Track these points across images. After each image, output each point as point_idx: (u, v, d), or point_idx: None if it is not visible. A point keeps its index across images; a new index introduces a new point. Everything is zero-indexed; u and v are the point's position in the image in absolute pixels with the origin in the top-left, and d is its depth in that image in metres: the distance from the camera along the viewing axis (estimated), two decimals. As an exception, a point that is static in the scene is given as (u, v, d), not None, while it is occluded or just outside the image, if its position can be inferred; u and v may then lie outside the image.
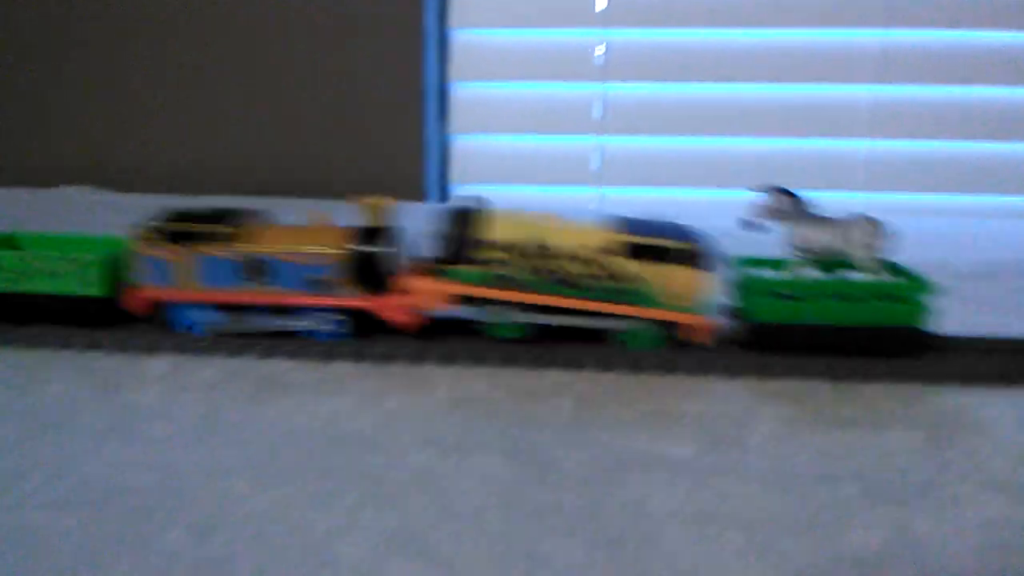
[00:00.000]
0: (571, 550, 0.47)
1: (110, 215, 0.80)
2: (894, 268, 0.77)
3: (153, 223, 0.74)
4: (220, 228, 0.73)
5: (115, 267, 0.75)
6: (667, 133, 1.59)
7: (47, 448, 0.58)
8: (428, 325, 0.75)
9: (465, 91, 1.65)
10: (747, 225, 0.75)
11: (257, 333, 0.74)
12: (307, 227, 0.76)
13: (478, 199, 0.77)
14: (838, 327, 0.73)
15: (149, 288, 0.74)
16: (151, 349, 0.74)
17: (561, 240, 0.73)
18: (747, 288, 0.74)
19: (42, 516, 0.50)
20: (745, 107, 1.56)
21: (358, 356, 0.73)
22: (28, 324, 0.75)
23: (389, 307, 0.74)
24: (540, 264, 0.72)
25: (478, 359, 0.73)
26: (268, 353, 0.73)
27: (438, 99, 1.68)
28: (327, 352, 0.74)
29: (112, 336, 0.74)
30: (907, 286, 0.73)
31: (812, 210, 0.76)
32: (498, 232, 0.73)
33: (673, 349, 0.74)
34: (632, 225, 0.74)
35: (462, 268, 0.73)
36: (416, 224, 0.79)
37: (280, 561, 0.46)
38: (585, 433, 0.61)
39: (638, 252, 0.72)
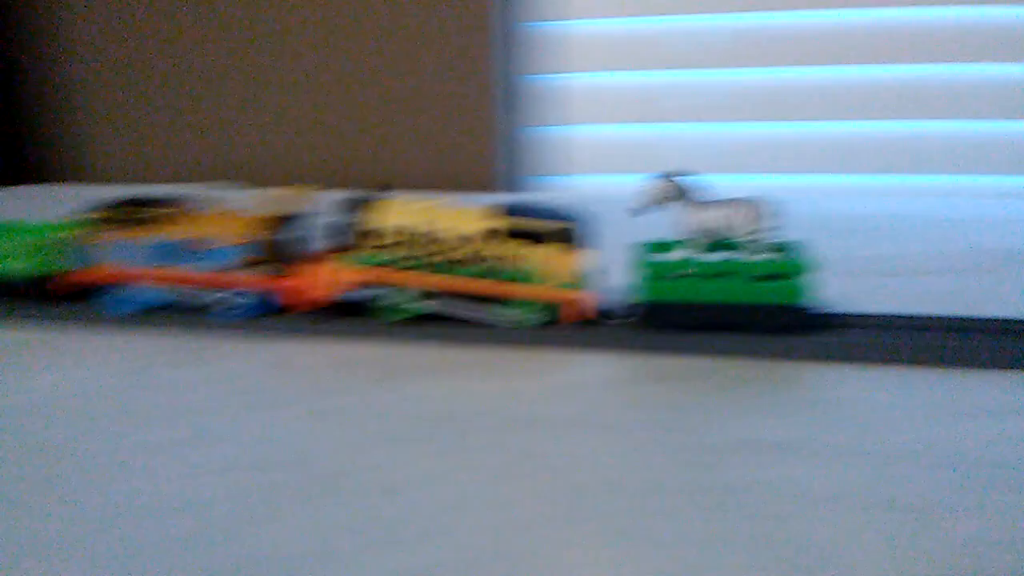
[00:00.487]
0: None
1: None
2: (781, 248, 0.77)
3: (92, 210, 0.82)
4: (150, 213, 0.81)
5: (52, 250, 0.84)
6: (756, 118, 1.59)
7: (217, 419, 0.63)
8: (328, 307, 0.80)
9: (546, 82, 1.67)
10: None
11: (184, 308, 0.82)
12: (228, 213, 0.82)
13: (377, 188, 0.82)
14: (721, 305, 0.74)
15: (88, 270, 0.83)
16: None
17: (447, 225, 0.77)
18: (637, 269, 0.76)
19: (212, 481, 0.54)
20: (844, 91, 1.55)
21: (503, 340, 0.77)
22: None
23: (293, 289, 0.80)
24: (425, 249, 0.77)
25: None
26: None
27: (511, 91, 1.71)
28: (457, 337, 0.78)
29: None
30: (786, 265, 0.74)
31: (698, 194, 0.78)
32: (389, 219, 0.78)
33: (549, 326, 0.77)
34: (515, 209, 0.78)
35: (357, 253, 0.78)
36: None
37: (451, 526, 0.48)
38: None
39: (515, 235, 0.76)
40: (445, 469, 0.55)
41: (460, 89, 1.69)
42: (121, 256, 0.81)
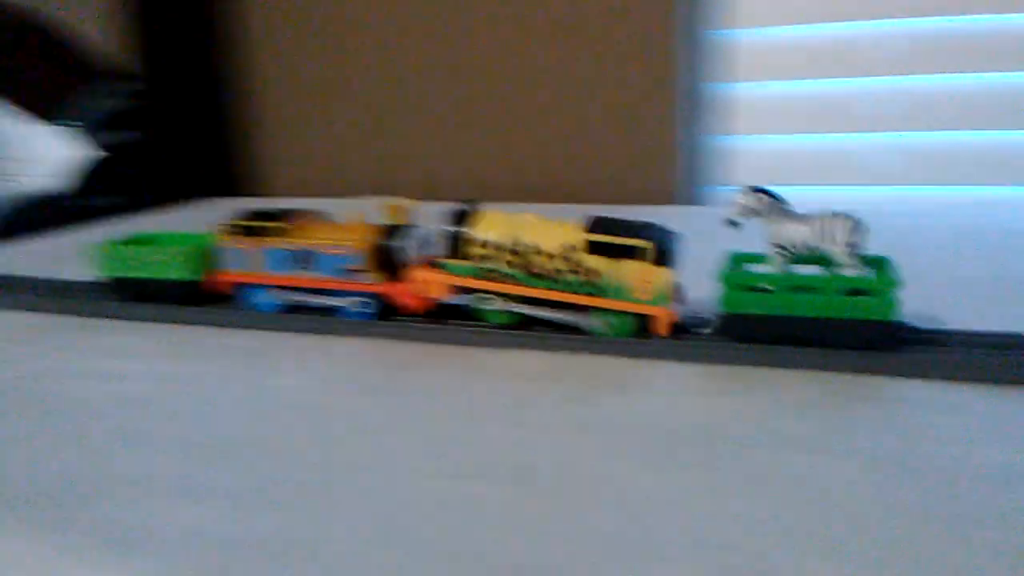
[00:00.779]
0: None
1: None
2: (874, 263, 0.76)
3: (229, 220, 0.93)
4: (277, 224, 0.90)
5: (201, 257, 0.95)
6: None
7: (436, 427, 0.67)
8: (433, 310, 0.87)
9: (729, 91, 1.64)
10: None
11: (305, 309, 0.91)
12: (344, 224, 0.91)
13: (467, 202, 0.86)
14: (807, 319, 0.75)
15: (228, 273, 0.93)
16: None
17: (534, 237, 0.81)
18: (722, 281, 0.77)
19: (456, 487, 0.57)
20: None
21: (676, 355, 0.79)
22: (144, 302, 0.97)
23: (401, 292, 0.87)
24: (515, 259, 0.81)
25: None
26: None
27: (694, 100, 1.68)
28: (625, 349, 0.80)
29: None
30: (875, 281, 0.73)
31: (789, 208, 0.77)
32: (484, 230, 0.83)
33: (637, 338, 0.80)
34: (602, 224, 0.81)
35: (454, 262, 0.84)
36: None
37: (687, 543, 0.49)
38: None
39: (598, 249, 0.79)
40: (686, 485, 0.56)
41: (642, 99, 1.66)
42: (250, 262, 0.91)
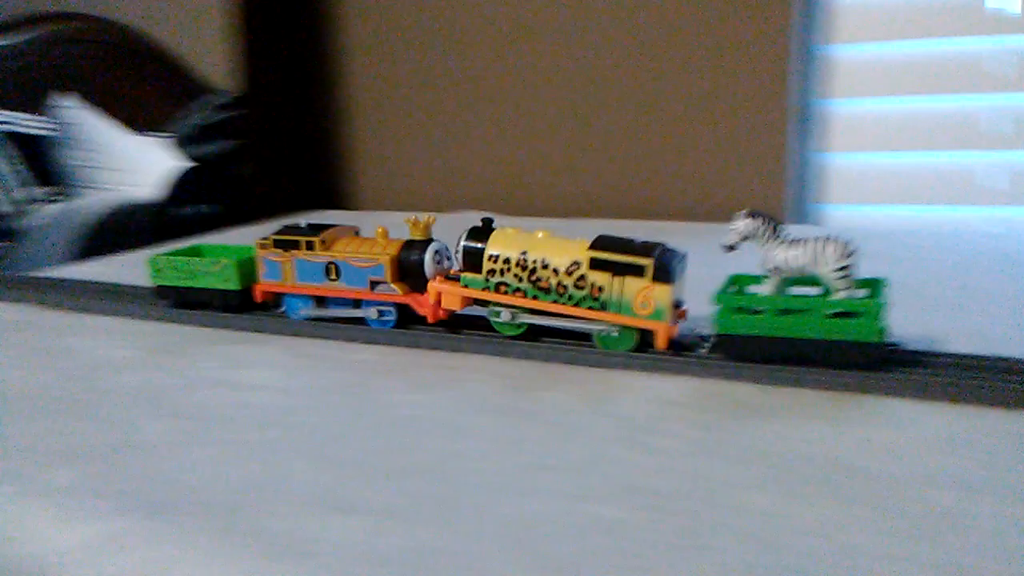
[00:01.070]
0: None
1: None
2: (869, 285, 0.80)
3: (267, 235, 1.00)
4: (308, 238, 0.97)
5: (244, 269, 1.02)
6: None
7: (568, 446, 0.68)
8: (450, 319, 0.93)
9: (840, 108, 1.63)
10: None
11: (334, 318, 0.98)
12: (371, 239, 0.97)
13: (487, 218, 0.92)
14: (795, 339, 0.78)
15: (267, 284, 1.01)
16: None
17: (542, 253, 0.86)
18: (715, 302, 0.81)
19: (591, 509, 0.57)
20: None
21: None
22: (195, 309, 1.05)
23: (422, 303, 0.93)
24: (524, 274, 0.87)
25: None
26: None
27: (804, 116, 1.67)
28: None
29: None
30: (862, 304, 0.76)
31: (784, 232, 0.81)
32: (498, 246, 0.88)
33: (635, 350, 0.85)
34: (606, 242, 0.85)
35: (469, 275, 0.89)
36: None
37: None
38: None
39: (601, 265, 0.84)
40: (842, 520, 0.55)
41: (753, 115, 1.66)
42: (284, 274, 0.99)
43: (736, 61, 1.65)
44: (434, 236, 0.95)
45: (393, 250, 0.94)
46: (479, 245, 0.89)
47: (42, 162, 2.43)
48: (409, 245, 0.94)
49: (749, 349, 0.80)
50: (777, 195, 1.66)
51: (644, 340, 0.85)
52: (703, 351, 0.83)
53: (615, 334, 0.85)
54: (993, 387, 0.72)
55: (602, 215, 1.80)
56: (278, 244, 0.99)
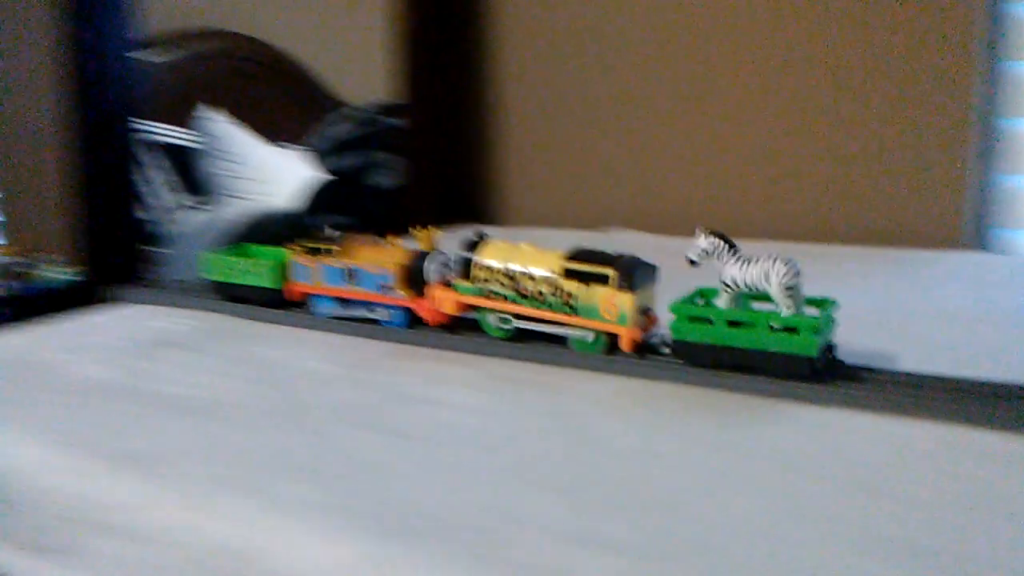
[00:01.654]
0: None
1: (650, 254, 0.94)
2: (818, 304, 0.86)
3: (299, 241, 1.12)
4: (330, 245, 1.09)
5: (281, 270, 1.15)
6: None
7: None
8: (448, 323, 1.02)
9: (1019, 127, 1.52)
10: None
11: (353, 318, 1.09)
12: (386, 248, 1.08)
13: (479, 234, 1.01)
14: (741, 349, 0.84)
15: (298, 284, 1.13)
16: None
17: (524, 263, 0.95)
18: (671, 311, 0.88)
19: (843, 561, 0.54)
20: None
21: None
22: (239, 303, 1.18)
23: (423, 307, 1.02)
24: (508, 282, 0.95)
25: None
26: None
27: (987, 136, 1.55)
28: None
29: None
30: (799, 320, 0.81)
31: (739, 251, 0.87)
32: (487, 256, 0.97)
33: (606, 353, 0.92)
34: (580, 254, 0.93)
35: (462, 283, 0.99)
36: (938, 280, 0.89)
37: None
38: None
39: (573, 275, 0.91)
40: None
41: (934, 134, 1.57)
42: (311, 276, 1.11)
43: (917, 80, 1.56)
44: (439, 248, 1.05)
45: (401, 259, 1.05)
46: (473, 255, 0.98)
47: (190, 172, 2.64)
48: (415, 255, 1.05)
49: (703, 355, 0.87)
50: (955, 219, 1.56)
51: (614, 344, 0.92)
52: (666, 353, 0.90)
53: (590, 339, 0.92)
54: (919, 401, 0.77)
55: (763, 236, 1.58)
56: (306, 250, 1.11)
